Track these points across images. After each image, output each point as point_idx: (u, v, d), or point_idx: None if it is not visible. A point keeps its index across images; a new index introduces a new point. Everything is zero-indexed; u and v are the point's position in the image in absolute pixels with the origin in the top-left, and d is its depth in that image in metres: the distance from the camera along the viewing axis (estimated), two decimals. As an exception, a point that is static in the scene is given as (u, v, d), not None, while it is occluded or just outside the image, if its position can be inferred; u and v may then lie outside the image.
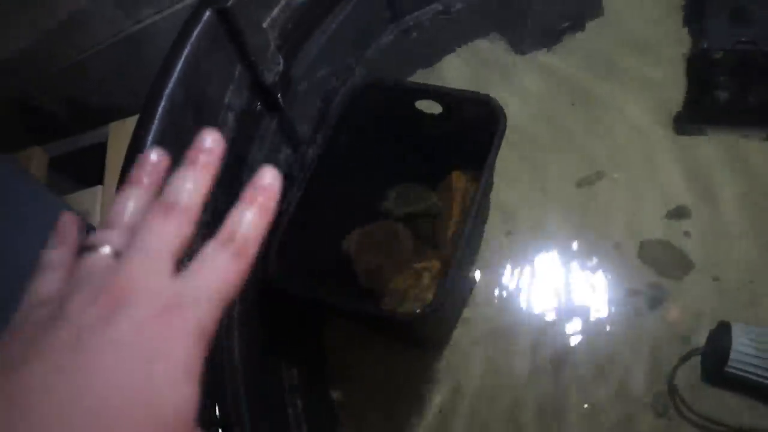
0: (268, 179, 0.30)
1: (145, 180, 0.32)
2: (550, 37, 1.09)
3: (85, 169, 0.88)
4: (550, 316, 0.85)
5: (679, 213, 0.88)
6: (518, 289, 0.88)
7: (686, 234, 0.86)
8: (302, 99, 0.89)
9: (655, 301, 0.82)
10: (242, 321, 0.75)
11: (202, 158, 0.30)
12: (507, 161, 0.93)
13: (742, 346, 0.73)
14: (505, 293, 0.88)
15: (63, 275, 0.28)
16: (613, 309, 0.83)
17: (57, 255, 0.30)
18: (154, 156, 0.33)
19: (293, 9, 0.84)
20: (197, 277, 0.27)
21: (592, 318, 0.83)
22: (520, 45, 1.08)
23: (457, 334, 0.87)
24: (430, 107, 0.85)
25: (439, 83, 0.94)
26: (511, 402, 0.80)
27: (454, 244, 0.80)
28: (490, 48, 1.08)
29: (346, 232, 0.89)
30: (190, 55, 0.70)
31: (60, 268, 0.29)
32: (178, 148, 0.67)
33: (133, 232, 0.28)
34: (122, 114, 0.93)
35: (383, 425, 0.84)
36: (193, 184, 0.29)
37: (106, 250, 0.28)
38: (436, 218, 0.91)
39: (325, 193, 0.84)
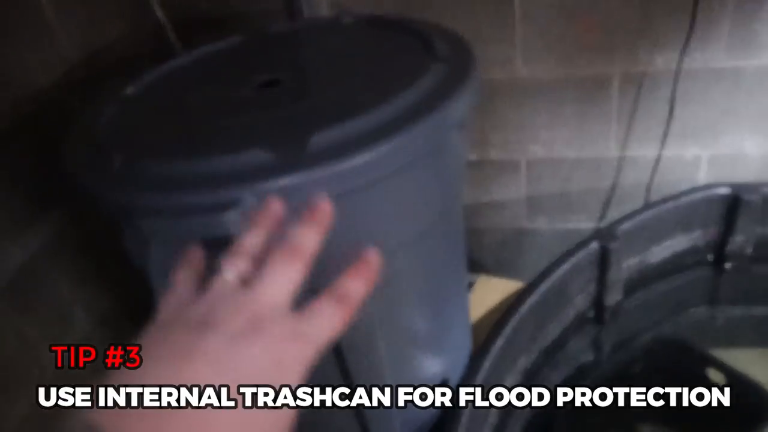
0: (371, 257, 0.40)
1: (268, 224, 0.41)
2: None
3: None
4: None
5: None
6: None
7: None
8: (620, 323, 1.17)
9: None
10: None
11: (320, 218, 0.40)
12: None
13: None
14: None
15: (194, 287, 0.37)
16: None
17: (187, 272, 0.40)
18: (277, 206, 0.42)
19: (643, 266, 1.16)
20: (315, 320, 0.35)
21: None
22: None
23: None
24: (712, 377, 1.07)
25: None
26: None
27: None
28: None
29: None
30: (571, 264, 1.05)
31: (191, 282, 0.38)
32: (532, 320, 0.98)
33: (260, 265, 0.36)
34: (488, 272, 1.31)
35: None
36: (314, 236, 0.38)
37: (233, 274, 0.36)
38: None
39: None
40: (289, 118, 0.62)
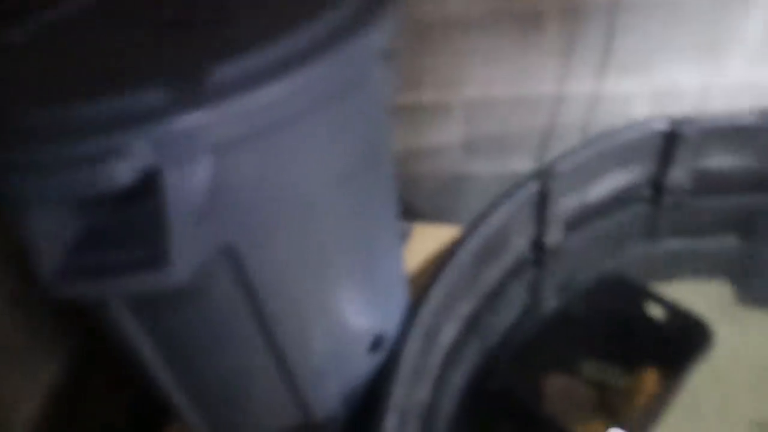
0: None
1: None
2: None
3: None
4: None
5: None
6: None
7: None
8: (560, 266, 1.15)
9: None
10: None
11: None
12: (697, 382, 1.10)
13: None
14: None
15: None
16: None
17: None
18: None
19: (582, 204, 1.13)
20: None
21: None
22: (744, 296, 1.26)
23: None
24: (652, 311, 1.07)
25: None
26: None
27: (636, 422, 0.99)
28: (718, 290, 1.28)
29: (545, 373, 1.11)
30: (510, 205, 1.01)
31: None
32: (473, 266, 0.95)
33: None
34: (424, 218, 1.27)
35: None
36: None
37: None
38: (620, 395, 1.10)
39: (544, 339, 1.08)
40: (186, 52, 0.54)
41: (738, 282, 1.28)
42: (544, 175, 1.04)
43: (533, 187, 1.03)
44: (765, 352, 1.19)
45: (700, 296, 1.28)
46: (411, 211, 1.30)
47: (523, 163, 1.27)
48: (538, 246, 1.09)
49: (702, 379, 0.98)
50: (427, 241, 1.22)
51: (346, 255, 0.66)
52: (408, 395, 0.79)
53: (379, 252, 0.75)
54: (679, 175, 1.19)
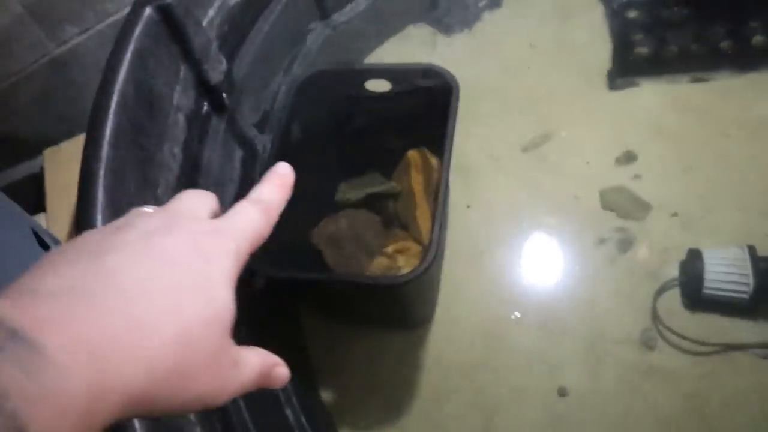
0: (283, 168, 0.37)
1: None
2: (470, 17, 1.13)
3: (19, 201, 0.81)
4: (526, 279, 0.86)
5: (627, 158, 0.92)
6: (489, 258, 0.89)
7: (637, 177, 0.91)
8: (247, 99, 0.87)
9: (624, 244, 0.85)
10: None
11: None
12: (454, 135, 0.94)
13: (713, 267, 0.77)
14: (476, 265, 0.89)
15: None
16: (587, 259, 0.86)
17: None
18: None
19: (228, 9, 0.83)
20: (235, 219, 0.32)
21: (569, 272, 0.85)
22: (444, 28, 1.11)
23: (438, 313, 0.86)
24: (379, 87, 0.85)
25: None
26: (502, 368, 0.80)
27: (433, 217, 0.80)
28: (419, 33, 1.11)
29: (313, 226, 0.88)
30: (135, 52, 0.68)
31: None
32: (136, 148, 0.66)
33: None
34: (52, 142, 0.88)
35: (378, 416, 0.82)
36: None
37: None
38: (397, 199, 0.91)
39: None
40: None
41: (430, 18, 1.12)
42: (154, -6, 0.71)
43: (151, 15, 0.70)
44: (481, 72, 1.07)
45: (407, 48, 1.10)
46: (26, 144, 0.91)
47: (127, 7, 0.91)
48: (205, 89, 0.78)
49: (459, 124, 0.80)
50: (69, 162, 0.86)
51: None
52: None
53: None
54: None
